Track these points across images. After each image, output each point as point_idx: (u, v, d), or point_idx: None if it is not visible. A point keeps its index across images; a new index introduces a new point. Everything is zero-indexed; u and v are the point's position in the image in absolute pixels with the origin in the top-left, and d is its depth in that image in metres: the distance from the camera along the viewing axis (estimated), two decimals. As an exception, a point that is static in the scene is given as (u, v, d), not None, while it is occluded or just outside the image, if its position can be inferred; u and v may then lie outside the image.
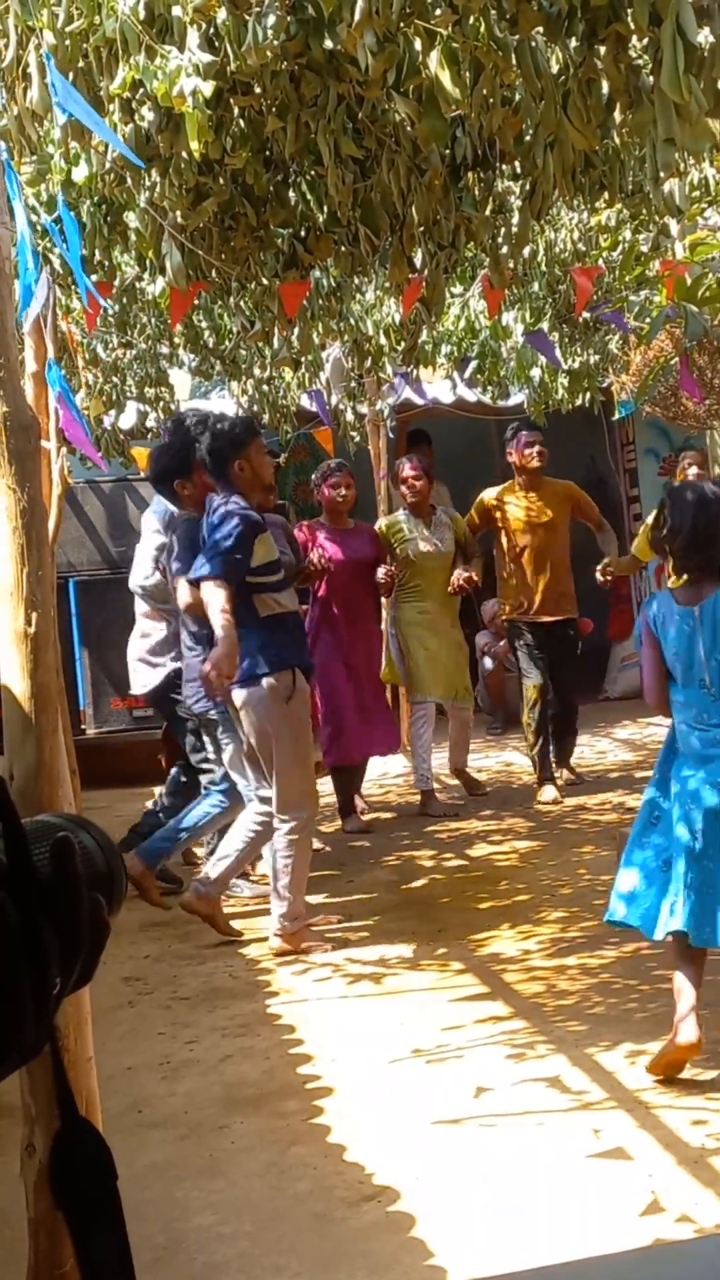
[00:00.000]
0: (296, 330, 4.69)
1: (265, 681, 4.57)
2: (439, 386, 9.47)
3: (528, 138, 3.42)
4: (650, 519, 6.60)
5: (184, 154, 3.26)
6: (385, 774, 7.94)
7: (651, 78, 2.81)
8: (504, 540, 7.05)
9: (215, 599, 4.51)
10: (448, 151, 3.69)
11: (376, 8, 2.68)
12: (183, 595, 5.00)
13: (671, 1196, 2.68)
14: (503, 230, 4.36)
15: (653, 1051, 3.34)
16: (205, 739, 5.31)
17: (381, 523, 7.20)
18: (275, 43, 2.87)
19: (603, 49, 2.89)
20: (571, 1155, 2.92)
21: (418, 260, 4.24)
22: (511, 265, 4.73)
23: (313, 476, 6.94)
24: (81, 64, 3.11)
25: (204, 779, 5.43)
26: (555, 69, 3.14)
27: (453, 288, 5.97)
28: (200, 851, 5.88)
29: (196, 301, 5.09)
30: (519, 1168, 2.90)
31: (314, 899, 5.15)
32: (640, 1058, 3.40)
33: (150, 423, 8.09)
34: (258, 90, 3.26)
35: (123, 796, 7.59)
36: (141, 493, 8.63)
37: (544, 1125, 3.10)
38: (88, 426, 5.57)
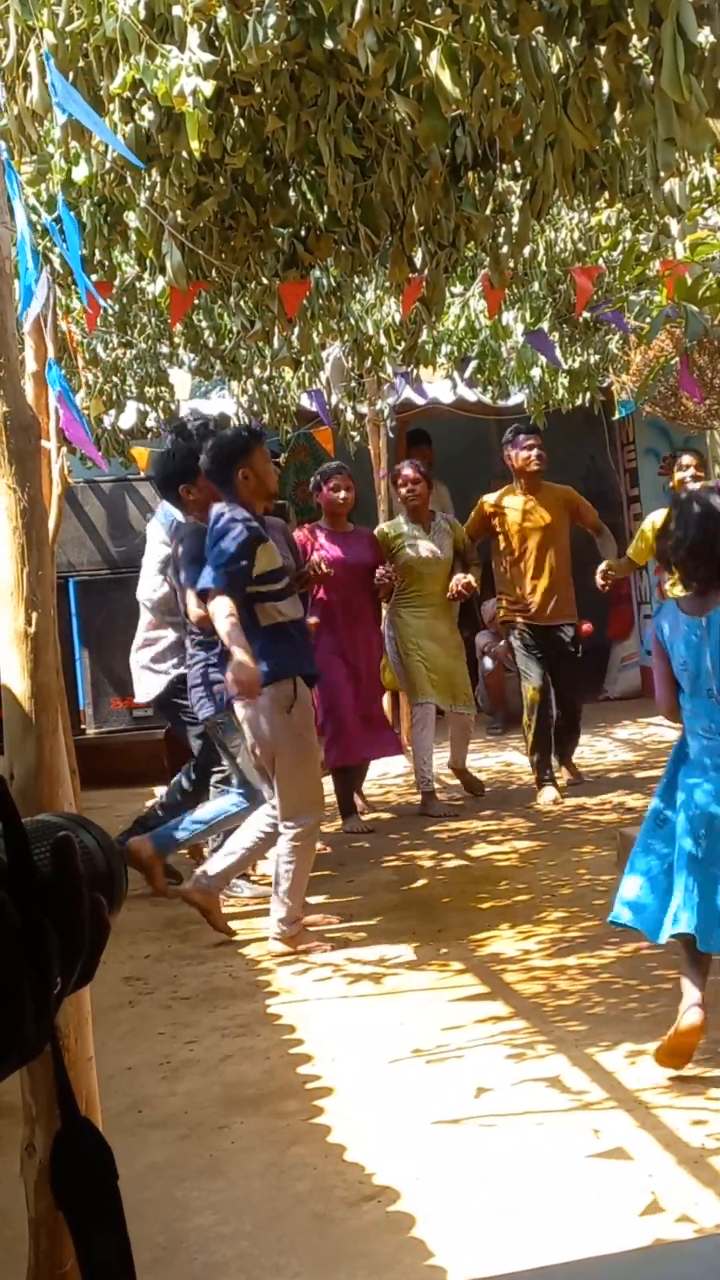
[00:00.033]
0: (296, 330, 4.69)
1: (265, 691, 4.58)
2: (439, 386, 9.47)
3: (528, 137, 3.42)
4: (646, 524, 6.65)
5: (184, 154, 3.26)
6: (385, 774, 7.94)
7: (652, 77, 2.81)
8: (503, 543, 7.05)
9: (221, 611, 4.53)
10: (448, 151, 3.69)
11: (377, 7, 2.68)
12: (193, 608, 5.00)
13: (671, 1196, 2.68)
14: (503, 230, 4.36)
15: (653, 1051, 3.34)
16: (215, 744, 5.31)
17: (381, 528, 7.20)
18: (275, 42, 2.87)
19: (603, 49, 2.89)
20: (571, 1155, 2.92)
21: (418, 260, 4.24)
22: (511, 265, 4.72)
23: (312, 478, 6.94)
24: (81, 64, 3.11)
25: (214, 778, 5.44)
26: (555, 69, 3.14)
27: (453, 287, 5.97)
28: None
29: (196, 301, 5.08)
30: (519, 1168, 2.90)
31: (314, 899, 5.15)
32: (640, 1058, 3.40)
33: (150, 423, 8.09)
34: (258, 90, 3.26)
35: (123, 796, 7.59)
36: (141, 493, 8.63)
37: (544, 1125, 3.10)
38: (88, 426, 5.57)
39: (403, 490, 7.01)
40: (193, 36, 2.92)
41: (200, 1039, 3.93)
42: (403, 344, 6.06)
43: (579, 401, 7.77)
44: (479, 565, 7.06)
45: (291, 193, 3.95)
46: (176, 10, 2.94)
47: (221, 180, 3.65)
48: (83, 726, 8.30)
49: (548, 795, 6.78)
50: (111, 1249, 0.75)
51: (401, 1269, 2.54)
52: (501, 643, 8.29)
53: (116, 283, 4.94)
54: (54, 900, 0.72)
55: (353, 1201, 2.82)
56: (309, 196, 3.95)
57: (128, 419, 7.97)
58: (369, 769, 7.08)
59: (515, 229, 4.18)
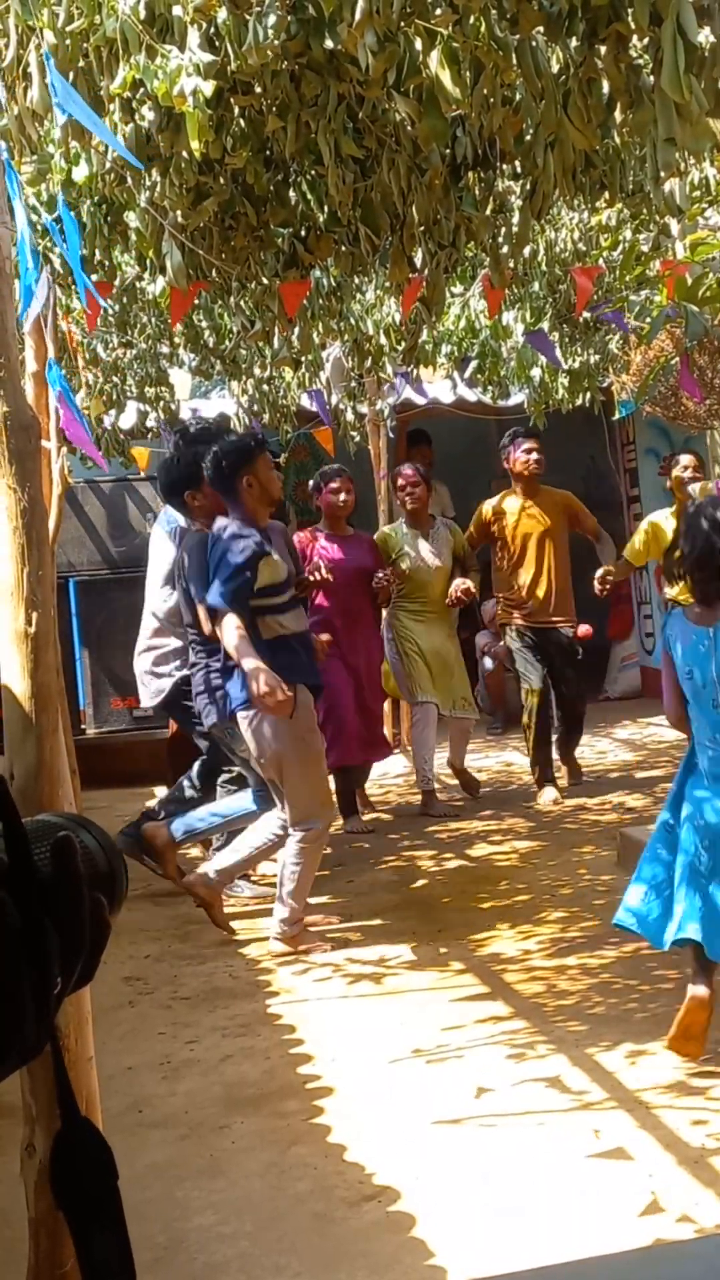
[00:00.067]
0: (296, 330, 4.69)
1: None
2: (439, 386, 9.47)
3: (528, 137, 3.42)
4: (645, 526, 6.65)
5: (184, 154, 3.26)
6: (385, 774, 7.94)
7: (652, 77, 2.81)
8: (502, 545, 7.05)
9: (229, 627, 4.56)
10: (448, 151, 3.69)
11: (377, 7, 2.68)
12: (206, 622, 5.00)
13: (671, 1196, 2.68)
14: (503, 230, 4.36)
15: (653, 1051, 3.34)
16: (224, 750, 5.31)
17: (382, 531, 7.20)
18: (275, 42, 2.87)
19: (603, 49, 2.89)
20: (571, 1155, 2.92)
21: (418, 260, 4.24)
22: (512, 265, 4.73)
23: (312, 480, 6.94)
24: (82, 64, 3.11)
25: (222, 778, 5.44)
26: (555, 69, 3.14)
27: (453, 287, 5.96)
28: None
29: (196, 301, 5.08)
30: (519, 1168, 2.90)
31: (314, 899, 5.14)
32: (641, 1058, 3.40)
33: (150, 423, 8.09)
34: (258, 90, 3.26)
35: (123, 796, 7.59)
36: (142, 493, 8.63)
37: (544, 1125, 3.10)
38: (88, 426, 5.57)
39: (402, 493, 7.01)
40: (193, 36, 2.92)
41: (200, 1039, 3.93)
42: (403, 344, 6.06)
43: (579, 401, 7.77)
44: (478, 570, 7.07)
45: (291, 193, 3.95)
46: (176, 10, 2.94)
47: (221, 180, 3.65)
48: (83, 726, 8.30)
49: (548, 795, 6.78)
50: (112, 1249, 0.75)
51: (402, 1269, 2.54)
52: (501, 643, 8.29)
53: (116, 283, 4.94)
54: (54, 900, 0.72)
55: (353, 1201, 2.82)
56: (309, 196, 3.95)
57: (128, 419, 7.97)
58: (371, 769, 7.08)
59: (515, 229, 4.19)
